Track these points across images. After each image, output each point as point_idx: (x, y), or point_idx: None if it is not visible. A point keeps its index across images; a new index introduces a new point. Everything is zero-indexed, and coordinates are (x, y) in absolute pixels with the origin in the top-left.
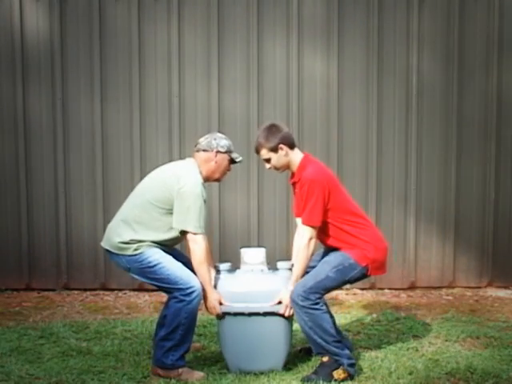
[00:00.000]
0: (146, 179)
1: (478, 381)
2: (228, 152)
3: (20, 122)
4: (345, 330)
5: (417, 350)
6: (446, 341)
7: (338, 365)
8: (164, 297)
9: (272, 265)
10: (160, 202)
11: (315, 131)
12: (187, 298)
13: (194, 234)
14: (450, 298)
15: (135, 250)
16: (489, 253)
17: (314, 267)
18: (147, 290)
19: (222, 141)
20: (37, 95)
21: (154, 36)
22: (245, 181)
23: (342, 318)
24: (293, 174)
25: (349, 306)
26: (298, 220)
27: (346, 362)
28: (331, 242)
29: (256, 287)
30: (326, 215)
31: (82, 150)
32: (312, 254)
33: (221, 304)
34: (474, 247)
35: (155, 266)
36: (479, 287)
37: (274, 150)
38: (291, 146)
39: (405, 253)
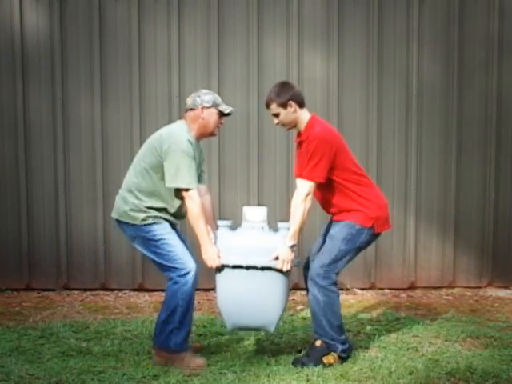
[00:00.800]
0: (143, 146)
1: (478, 381)
2: (214, 106)
3: (20, 122)
4: (345, 329)
5: (417, 350)
6: (446, 341)
7: (328, 350)
8: (163, 297)
9: (273, 225)
10: (154, 167)
11: None
12: (182, 280)
13: (187, 190)
14: (449, 297)
15: (143, 220)
16: (489, 253)
17: (323, 243)
18: (147, 290)
19: (206, 96)
20: (37, 95)
21: (153, 36)
22: (245, 175)
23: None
24: (299, 134)
25: (349, 306)
26: (298, 181)
27: (340, 347)
28: (335, 202)
29: (255, 243)
30: (332, 174)
31: (81, 150)
32: (308, 211)
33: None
34: (474, 247)
35: (159, 240)
36: (479, 287)
37: (284, 105)
38: (300, 105)
39: (405, 253)
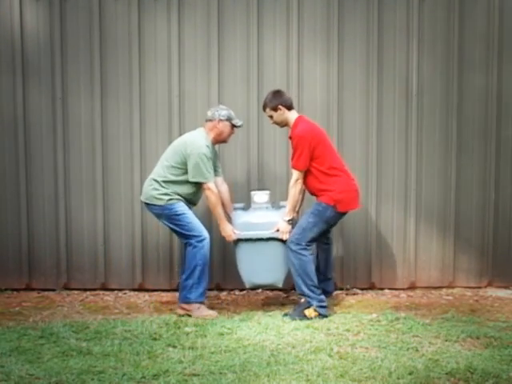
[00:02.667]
0: (169, 147)
1: (478, 381)
2: (228, 119)
3: (20, 122)
4: (345, 329)
5: (417, 350)
6: (446, 341)
7: (309, 305)
8: (164, 297)
9: (275, 204)
10: (178, 164)
11: None
12: (200, 244)
13: (205, 182)
14: (450, 297)
15: (168, 201)
16: (489, 253)
17: None
18: (147, 290)
19: (222, 111)
20: (37, 94)
21: (154, 36)
22: (245, 174)
23: (342, 318)
24: (290, 131)
25: (349, 306)
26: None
27: (315, 303)
28: (309, 186)
29: (262, 219)
30: (311, 163)
31: (82, 150)
32: (299, 193)
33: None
34: (474, 247)
35: (181, 214)
36: (479, 287)
37: (275, 109)
38: (289, 108)
39: (405, 253)
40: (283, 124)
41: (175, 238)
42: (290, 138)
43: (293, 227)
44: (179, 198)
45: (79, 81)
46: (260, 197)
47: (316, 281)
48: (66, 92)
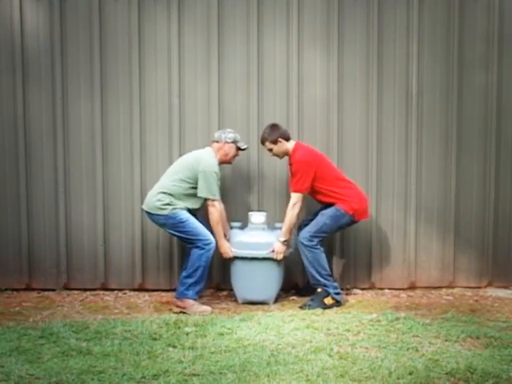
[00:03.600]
0: (178, 161)
1: (478, 381)
2: (234, 142)
3: (20, 122)
4: (345, 329)
5: (417, 350)
6: (446, 341)
7: (327, 293)
8: (164, 297)
9: (271, 225)
10: (188, 179)
11: (315, 131)
12: (206, 247)
13: (212, 200)
14: (450, 297)
15: (171, 210)
16: (489, 253)
17: (312, 219)
18: (147, 290)
19: (229, 134)
20: (37, 95)
21: (154, 36)
22: (245, 173)
23: (342, 318)
24: (289, 158)
25: (349, 306)
26: (291, 193)
27: (332, 291)
28: (324, 199)
29: (258, 239)
30: (315, 184)
31: (81, 150)
32: (297, 215)
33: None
34: (474, 247)
35: (185, 221)
36: (479, 287)
37: (274, 142)
38: (287, 139)
39: (405, 253)
40: (283, 155)
41: (175, 238)
42: (290, 164)
43: (287, 248)
44: (181, 207)
45: (79, 81)
46: (257, 218)
47: (329, 269)
48: (66, 92)
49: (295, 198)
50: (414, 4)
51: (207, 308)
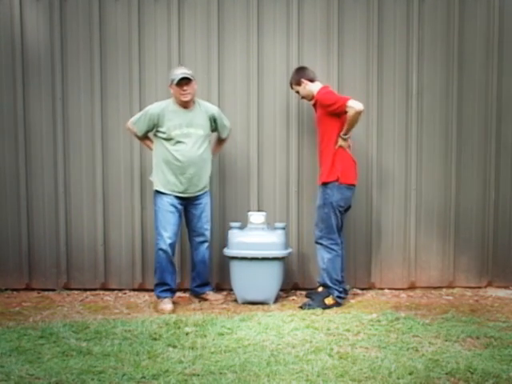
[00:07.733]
0: None
1: (478, 381)
2: (171, 83)
3: (20, 122)
4: (345, 329)
5: (417, 350)
6: (446, 341)
7: (328, 293)
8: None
9: (271, 225)
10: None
11: (315, 130)
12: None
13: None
14: (449, 297)
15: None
16: (489, 253)
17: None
18: (147, 290)
19: (169, 77)
20: (37, 95)
21: (154, 36)
22: (245, 172)
23: (342, 318)
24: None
25: (349, 306)
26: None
27: (335, 293)
28: (321, 157)
29: (257, 239)
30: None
31: (81, 150)
32: (360, 112)
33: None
34: (474, 247)
35: (156, 209)
36: (479, 287)
37: (298, 83)
38: (311, 80)
39: (405, 253)
40: (310, 97)
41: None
42: (314, 104)
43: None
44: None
45: (79, 81)
46: (256, 218)
47: (340, 274)
48: (66, 92)
49: (349, 104)
50: (414, 4)
51: (165, 307)
